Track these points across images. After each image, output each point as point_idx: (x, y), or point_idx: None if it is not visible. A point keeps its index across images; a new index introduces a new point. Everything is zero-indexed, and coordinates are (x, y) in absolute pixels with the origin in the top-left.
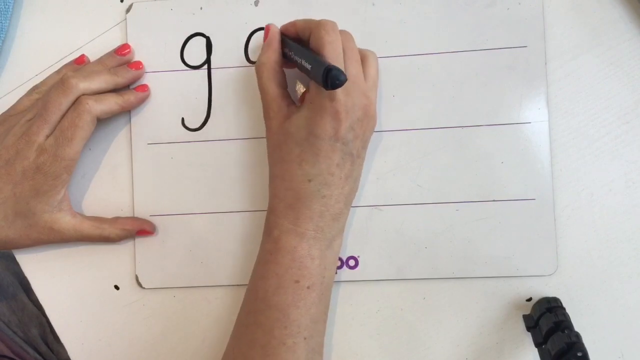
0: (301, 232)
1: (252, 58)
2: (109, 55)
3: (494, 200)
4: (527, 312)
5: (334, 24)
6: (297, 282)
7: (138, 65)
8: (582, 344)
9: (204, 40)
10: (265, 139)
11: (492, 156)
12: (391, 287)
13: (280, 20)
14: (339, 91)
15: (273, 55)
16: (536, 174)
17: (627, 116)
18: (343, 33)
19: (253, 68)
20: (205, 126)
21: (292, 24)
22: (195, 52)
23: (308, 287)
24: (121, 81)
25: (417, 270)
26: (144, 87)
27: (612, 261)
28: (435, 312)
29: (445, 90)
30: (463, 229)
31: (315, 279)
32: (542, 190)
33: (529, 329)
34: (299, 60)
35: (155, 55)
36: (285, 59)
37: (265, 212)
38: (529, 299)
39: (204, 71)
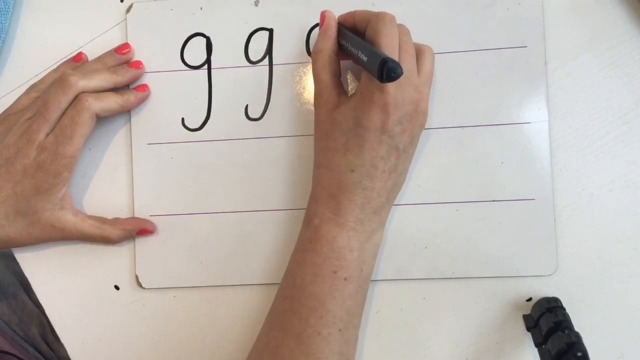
0: (341, 223)
1: (252, 58)
2: (108, 54)
3: (494, 200)
4: (527, 312)
5: (392, 16)
6: (335, 272)
7: (138, 64)
8: (582, 344)
9: (204, 40)
10: (261, 138)
11: (492, 156)
12: (391, 287)
13: (280, 20)
14: (390, 84)
15: (329, 42)
16: (536, 174)
17: (627, 116)
18: (400, 27)
19: (253, 68)
20: (205, 126)
21: (351, 14)
22: (195, 52)
23: (345, 279)
24: (121, 80)
25: (417, 270)
26: (144, 87)
27: (612, 261)
28: (435, 312)
29: (445, 90)
30: (463, 229)
31: (353, 271)
32: (542, 190)
33: (529, 329)
34: (355, 51)
35: (155, 55)
36: (341, 50)
37: (266, 212)
38: (529, 299)
39: (204, 71)
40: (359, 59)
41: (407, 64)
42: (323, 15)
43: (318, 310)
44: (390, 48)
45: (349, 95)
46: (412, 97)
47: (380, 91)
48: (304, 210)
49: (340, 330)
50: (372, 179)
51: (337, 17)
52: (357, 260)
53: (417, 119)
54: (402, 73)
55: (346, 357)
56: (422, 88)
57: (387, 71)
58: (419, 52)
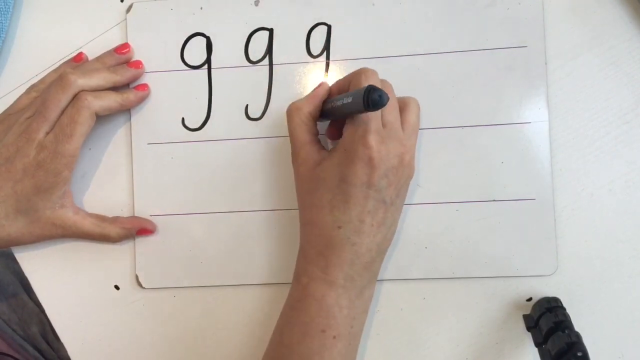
0: (330, 281)
1: (252, 58)
2: (108, 53)
3: (494, 200)
4: (527, 312)
5: (374, 71)
6: (324, 331)
7: (138, 64)
8: (582, 344)
9: (204, 40)
10: (261, 138)
11: (492, 156)
12: (391, 287)
13: (280, 20)
14: (373, 138)
15: (311, 105)
16: (536, 174)
17: (627, 116)
18: (383, 82)
19: (253, 68)
20: (205, 126)
21: (335, 83)
22: (195, 52)
23: (334, 337)
24: (120, 79)
25: (417, 270)
26: (144, 87)
27: (612, 261)
28: (435, 312)
29: (445, 90)
30: (463, 229)
31: (342, 329)
32: (542, 190)
33: (529, 329)
34: (338, 102)
35: (155, 55)
36: (322, 115)
37: (266, 211)
38: (529, 299)
39: (204, 71)
40: (343, 106)
41: (390, 117)
42: (320, 84)
43: None
44: None
45: (330, 150)
46: (396, 150)
47: (364, 146)
48: None
49: None
50: (360, 234)
51: (334, 84)
52: (346, 317)
53: (402, 172)
54: (388, 99)
55: None
56: (406, 141)
57: (371, 97)
58: (404, 104)
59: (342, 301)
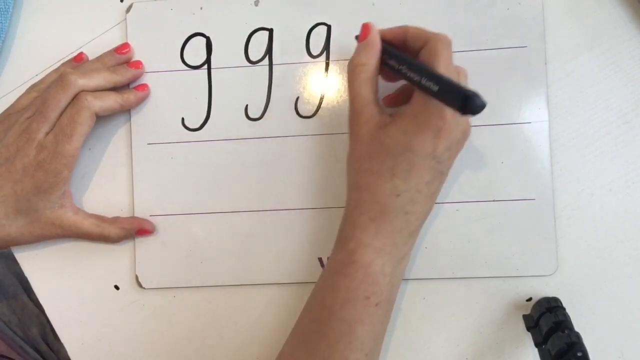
0: (378, 248)
1: (252, 58)
2: (108, 53)
3: (494, 200)
4: (527, 312)
5: (450, 40)
6: (368, 298)
7: (138, 64)
8: (582, 344)
9: (204, 40)
10: (261, 138)
11: (492, 156)
12: None
13: (280, 20)
14: (448, 110)
15: (373, 58)
16: (536, 174)
17: (627, 116)
18: (457, 67)
19: (253, 68)
20: (205, 126)
21: (403, 30)
22: (195, 52)
23: (377, 304)
24: (120, 80)
25: (417, 270)
26: (144, 87)
27: (612, 261)
28: (435, 312)
29: None
30: (463, 229)
31: (384, 295)
32: (542, 190)
33: (529, 329)
34: (416, 77)
35: (155, 55)
36: (385, 68)
37: (266, 211)
38: (529, 299)
39: (204, 71)
40: (423, 86)
41: None
42: (365, 27)
43: (347, 336)
44: (449, 72)
45: (393, 115)
46: (464, 123)
47: (438, 117)
48: (304, 209)
49: (366, 355)
50: (415, 204)
51: (383, 30)
52: (388, 284)
53: (462, 145)
54: (485, 105)
55: None
56: None
57: (474, 104)
58: (460, 75)
59: (386, 268)
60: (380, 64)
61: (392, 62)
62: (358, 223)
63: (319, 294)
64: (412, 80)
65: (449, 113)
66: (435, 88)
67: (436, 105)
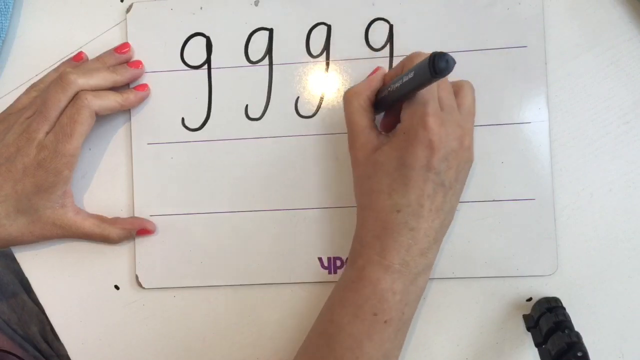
0: (386, 265)
1: (252, 58)
2: (108, 53)
3: (494, 200)
4: (527, 312)
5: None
6: (375, 314)
7: (137, 64)
8: (582, 344)
9: (204, 40)
10: (261, 138)
11: (492, 156)
12: None
13: (280, 20)
14: (433, 120)
15: (368, 90)
16: (536, 174)
17: (627, 116)
18: None
19: (253, 68)
20: (205, 126)
21: (388, 73)
22: (195, 52)
23: (385, 322)
24: (120, 79)
25: None
26: (144, 87)
27: (612, 261)
28: (435, 312)
29: None
30: (463, 229)
31: (394, 313)
32: (542, 190)
33: (529, 329)
34: (397, 84)
35: (155, 55)
36: (377, 105)
37: (266, 211)
38: (529, 299)
39: (204, 71)
40: (403, 85)
41: (447, 100)
42: (376, 69)
43: (354, 351)
44: (445, 86)
45: (388, 135)
46: (456, 132)
47: (423, 128)
48: (304, 209)
49: None
50: (419, 218)
51: (388, 72)
52: (399, 303)
53: (462, 155)
54: (454, 62)
55: None
56: (464, 123)
57: (438, 62)
58: (458, 87)
59: (396, 286)
60: (374, 98)
61: (382, 93)
62: (365, 241)
63: (327, 308)
64: (396, 91)
65: (433, 123)
66: (411, 75)
67: (420, 117)
